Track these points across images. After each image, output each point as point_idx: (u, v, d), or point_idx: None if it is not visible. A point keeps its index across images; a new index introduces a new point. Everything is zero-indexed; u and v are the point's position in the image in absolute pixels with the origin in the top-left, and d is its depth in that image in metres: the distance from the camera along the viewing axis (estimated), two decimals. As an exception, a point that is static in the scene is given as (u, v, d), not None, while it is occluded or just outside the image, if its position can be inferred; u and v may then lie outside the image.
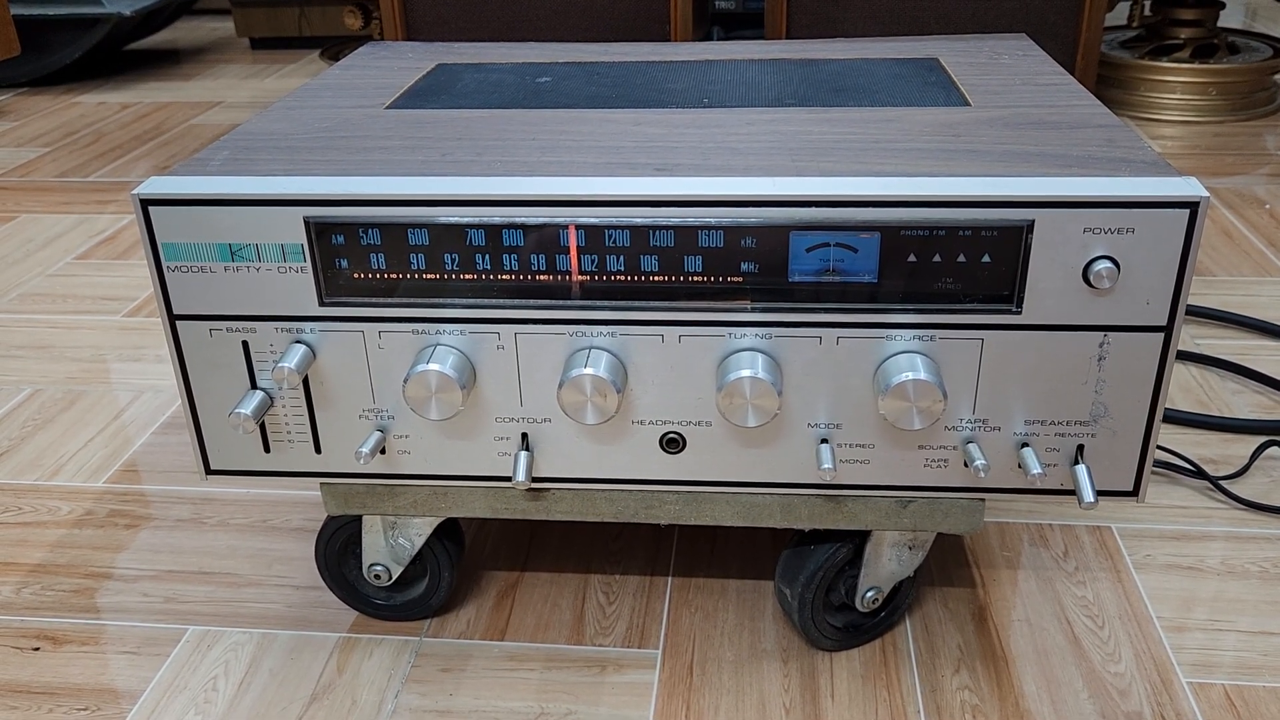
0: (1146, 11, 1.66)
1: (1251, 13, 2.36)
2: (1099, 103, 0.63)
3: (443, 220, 0.52)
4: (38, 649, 0.66)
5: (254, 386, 0.57)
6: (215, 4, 2.60)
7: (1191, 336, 0.99)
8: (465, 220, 0.52)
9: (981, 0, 1.14)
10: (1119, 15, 1.96)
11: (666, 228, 0.51)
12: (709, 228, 0.51)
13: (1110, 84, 1.65)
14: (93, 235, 1.31)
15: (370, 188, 0.52)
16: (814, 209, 0.50)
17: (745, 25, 2.18)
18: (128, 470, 0.84)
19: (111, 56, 2.24)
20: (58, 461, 0.85)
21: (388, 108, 0.67)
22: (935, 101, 0.65)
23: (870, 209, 0.50)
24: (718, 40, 1.46)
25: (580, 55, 0.80)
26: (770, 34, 1.18)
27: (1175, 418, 0.86)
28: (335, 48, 1.91)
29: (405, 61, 0.79)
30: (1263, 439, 0.83)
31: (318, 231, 0.52)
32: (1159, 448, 0.82)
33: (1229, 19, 2.25)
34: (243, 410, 0.55)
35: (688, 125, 0.62)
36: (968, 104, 0.64)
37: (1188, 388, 0.91)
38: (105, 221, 1.35)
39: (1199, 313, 1.02)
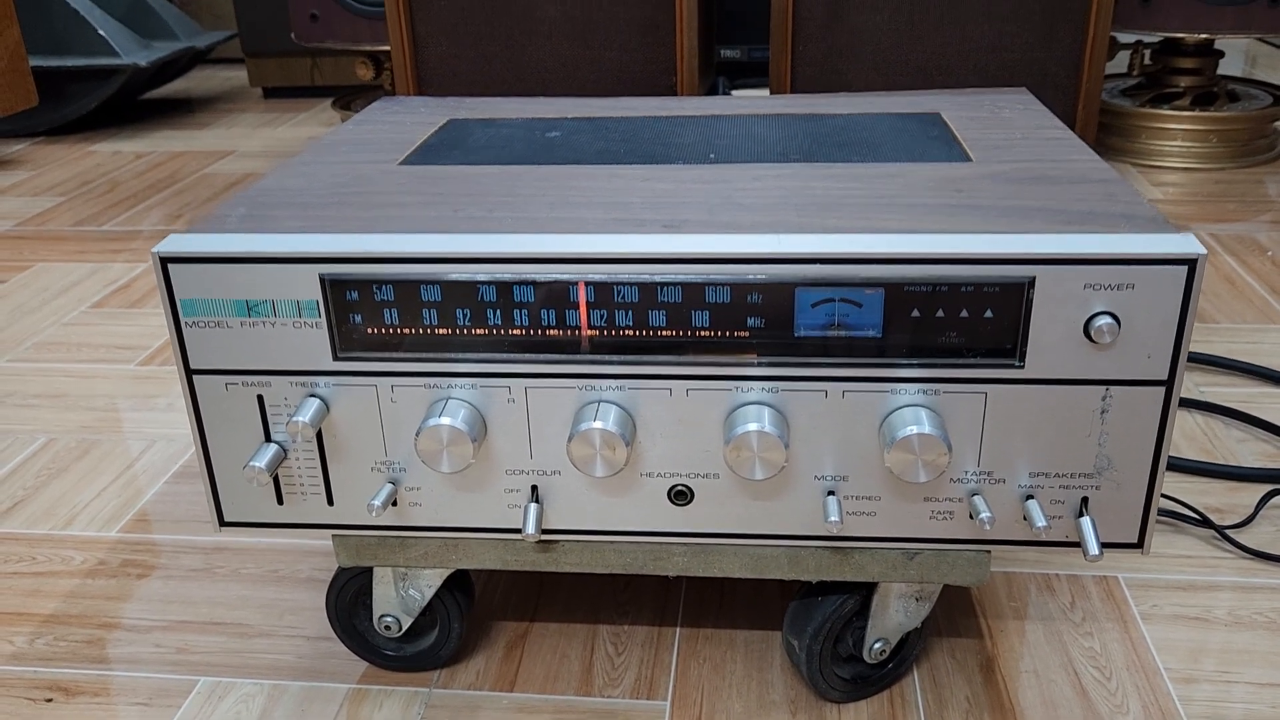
0: (1146, 60, 1.68)
1: (1251, 60, 2.39)
2: (1098, 157, 0.64)
3: (455, 278, 0.53)
4: (50, 700, 0.66)
5: (268, 439, 0.57)
6: (228, 53, 2.65)
7: (1196, 384, 0.99)
8: (477, 277, 0.53)
9: (983, 52, 1.16)
10: (1120, 63, 1.99)
11: (674, 284, 0.52)
12: (716, 284, 0.52)
13: (1112, 131, 1.67)
14: (107, 284, 1.32)
15: (385, 246, 0.53)
16: (819, 266, 0.51)
17: (750, 74, 2.21)
18: (140, 520, 0.84)
19: (127, 105, 2.28)
20: (71, 511, 0.86)
21: (401, 163, 0.68)
22: (937, 157, 0.66)
23: (874, 266, 0.51)
24: (723, 91, 1.48)
25: (589, 110, 0.82)
26: (775, 86, 1.20)
27: (1180, 466, 0.86)
28: (347, 97, 1.94)
29: (418, 116, 0.81)
30: (1268, 488, 0.83)
31: (333, 288, 0.54)
32: (1164, 496, 0.82)
33: (1229, 66, 2.27)
34: (257, 463, 0.56)
35: (695, 180, 0.63)
36: (969, 159, 0.65)
37: (1192, 436, 0.91)
38: (119, 270, 1.37)
39: (1203, 360, 1.02)
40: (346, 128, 0.78)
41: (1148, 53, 1.68)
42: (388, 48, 1.68)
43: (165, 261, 0.54)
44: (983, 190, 0.59)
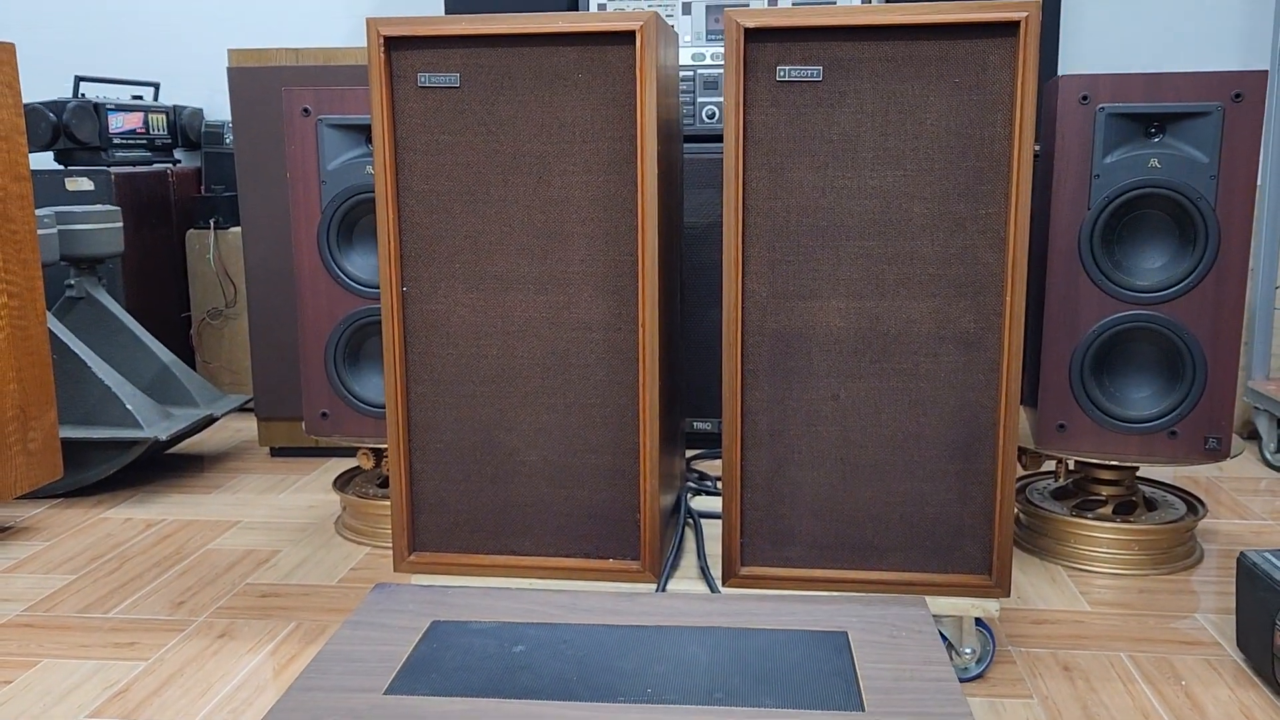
0: (1071, 467, 1.87)
1: (1179, 439, 2.60)
2: (968, 709, 0.77)
3: None
4: None
5: None
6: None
7: (1108, 845, 1.08)
8: None
9: (908, 506, 1.33)
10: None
11: None
12: None
13: (1043, 534, 1.83)
14: (106, 688, 1.42)
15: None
16: None
17: (719, 443, 2.41)
18: None
19: (141, 465, 2.45)
20: None
21: (385, 693, 0.81)
22: (837, 703, 0.79)
23: None
24: (686, 505, 1.64)
25: (551, 612, 0.96)
26: (726, 531, 1.35)
27: None
28: (347, 476, 2.12)
29: (405, 619, 0.95)
30: None
31: None
32: None
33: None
34: None
35: (630, 731, 0.75)
36: (863, 708, 0.78)
37: None
38: (120, 671, 1.47)
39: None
40: (343, 634, 0.92)
41: (1071, 462, 1.87)
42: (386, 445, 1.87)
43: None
44: (866, 757, 0.71)
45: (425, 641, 0.88)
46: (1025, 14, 1.19)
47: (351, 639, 0.89)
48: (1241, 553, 1.42)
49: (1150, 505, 1.86)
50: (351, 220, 1.82)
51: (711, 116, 2.29)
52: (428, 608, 0.96)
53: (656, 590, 1.37)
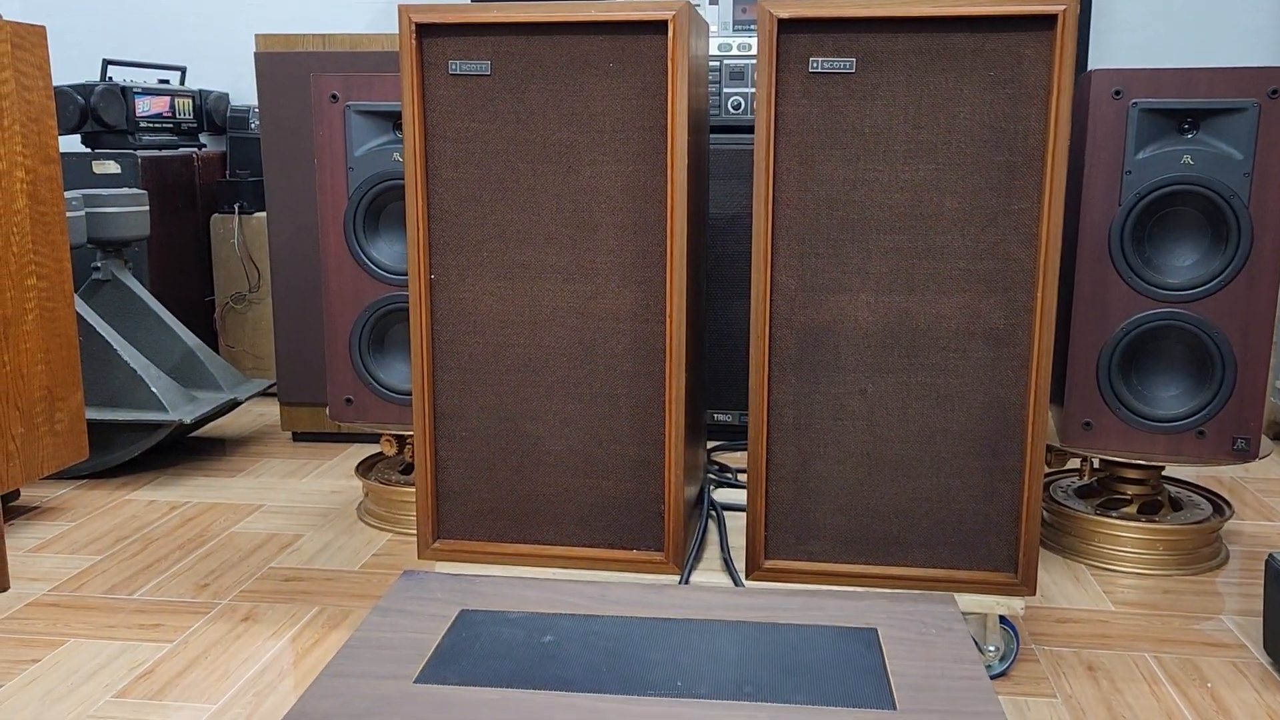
0: (1096, 465, 1.86)
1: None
2: (1000, 709, 0.77)
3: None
4: None
5: None
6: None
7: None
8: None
9: (933, 501, 1.32)
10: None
11: None
12: None
13: (1067, 532, 1.82)
14: (133, 668, 1.43)
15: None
16: None
17: (741, 435, 2.41)
18: None
19: (165, 448, 2.46)
20: None
21: (416, 680, 0.81)
22: (868, 700, 0.78)
23: None
24: (709, 498, 1.64)
25: (580, 603, 0.96)
26: (751, 524, 1.35)
27: None
28: (370, 462, 2.12)
29: (434, 607, 0.95)
30: None
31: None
32: None
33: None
34: None
35: (660, 724, 0.75)
36: (894, 707, 0.78)
37: None
38: (145, 652, 1.48)
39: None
40: (372, 620, 0.92)
41: (1096, 461, 1.85)
42: (411, 432, 1.87)
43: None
44: (898, 754, 0.71)
45: (454, 630, 0.88)
46: (1063, 7, 1.18)
47: (381, 626, 0.89)
48: (1270, 555, 1.41)
49: (1175, 505, 1.85)
50: (378, 207, 1.82)
51: (737, 107, 2.28)
52: (456, 596, 0.96)
53: (680, 582, 1.37)
